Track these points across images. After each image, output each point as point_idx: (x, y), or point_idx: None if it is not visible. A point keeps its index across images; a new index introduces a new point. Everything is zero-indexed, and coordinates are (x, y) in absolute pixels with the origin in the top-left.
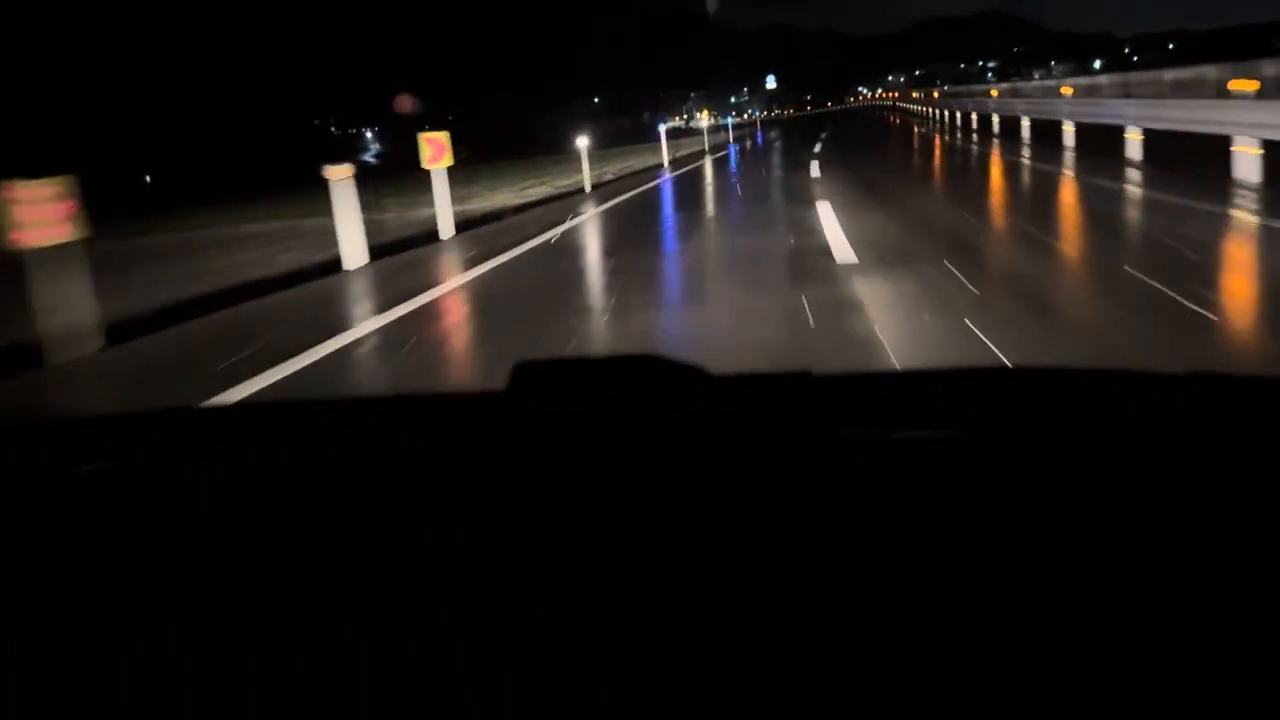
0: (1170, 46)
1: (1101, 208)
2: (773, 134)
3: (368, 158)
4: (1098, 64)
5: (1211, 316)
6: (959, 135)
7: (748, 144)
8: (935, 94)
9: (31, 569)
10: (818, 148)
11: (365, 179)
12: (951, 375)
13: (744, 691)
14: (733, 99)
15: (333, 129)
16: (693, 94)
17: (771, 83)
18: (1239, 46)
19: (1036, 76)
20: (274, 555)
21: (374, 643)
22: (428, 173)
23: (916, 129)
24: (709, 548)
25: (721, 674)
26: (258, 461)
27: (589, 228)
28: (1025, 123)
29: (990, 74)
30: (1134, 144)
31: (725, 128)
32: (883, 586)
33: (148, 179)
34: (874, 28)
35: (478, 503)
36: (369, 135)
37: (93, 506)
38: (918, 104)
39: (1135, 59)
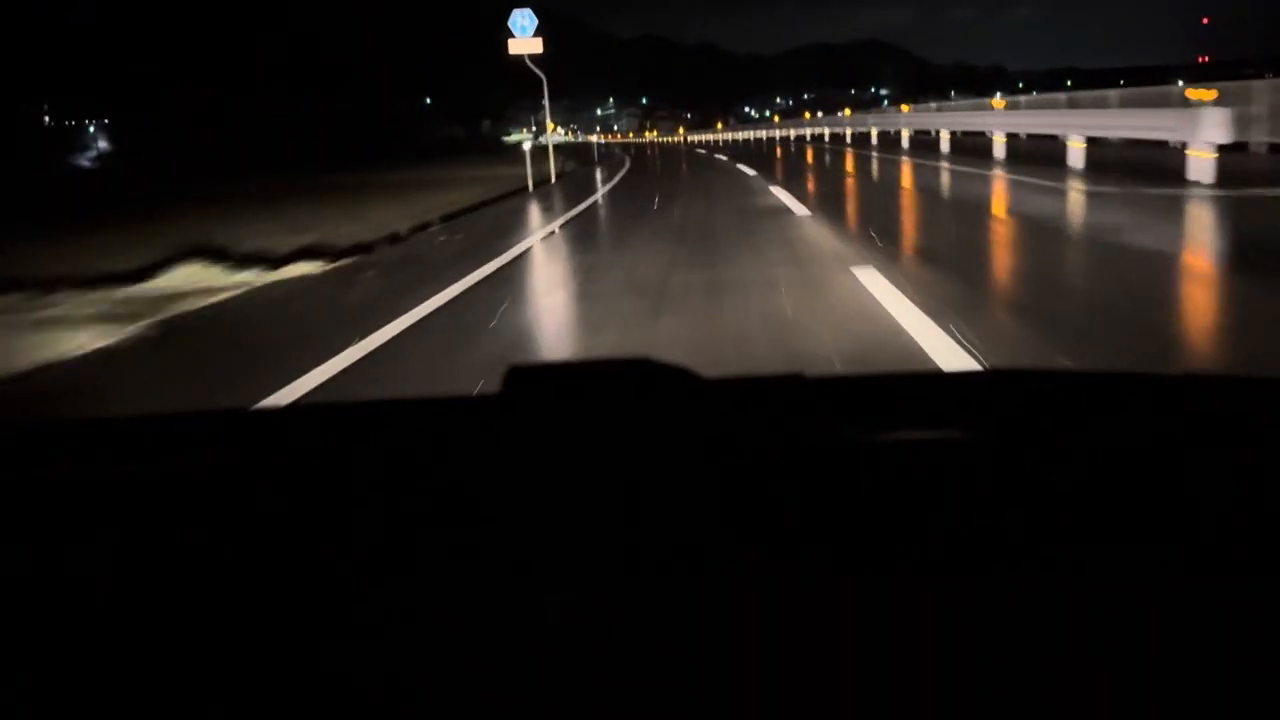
0: (1068, 83)
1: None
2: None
3: (82, 160)
4: (997, 95)
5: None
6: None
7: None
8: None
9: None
10: None
11: None
12: (942, 378)
13: (738, 698)
14: (599, 110)
15: (46, 119)
16: (545, 101)
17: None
18: (1136, 83)
19: (935, 105)
20: (266, 564)
21: (368, 648)
22: None
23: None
24: (703, 554)
25: (715, 682)
26: (239, 468)
27: None
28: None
29: (885, 100)
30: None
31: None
32: (876, 589)
33: None
34: (754, 47)
35: (471, 508)
36: (92, 129)
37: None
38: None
39: (1033, 92)
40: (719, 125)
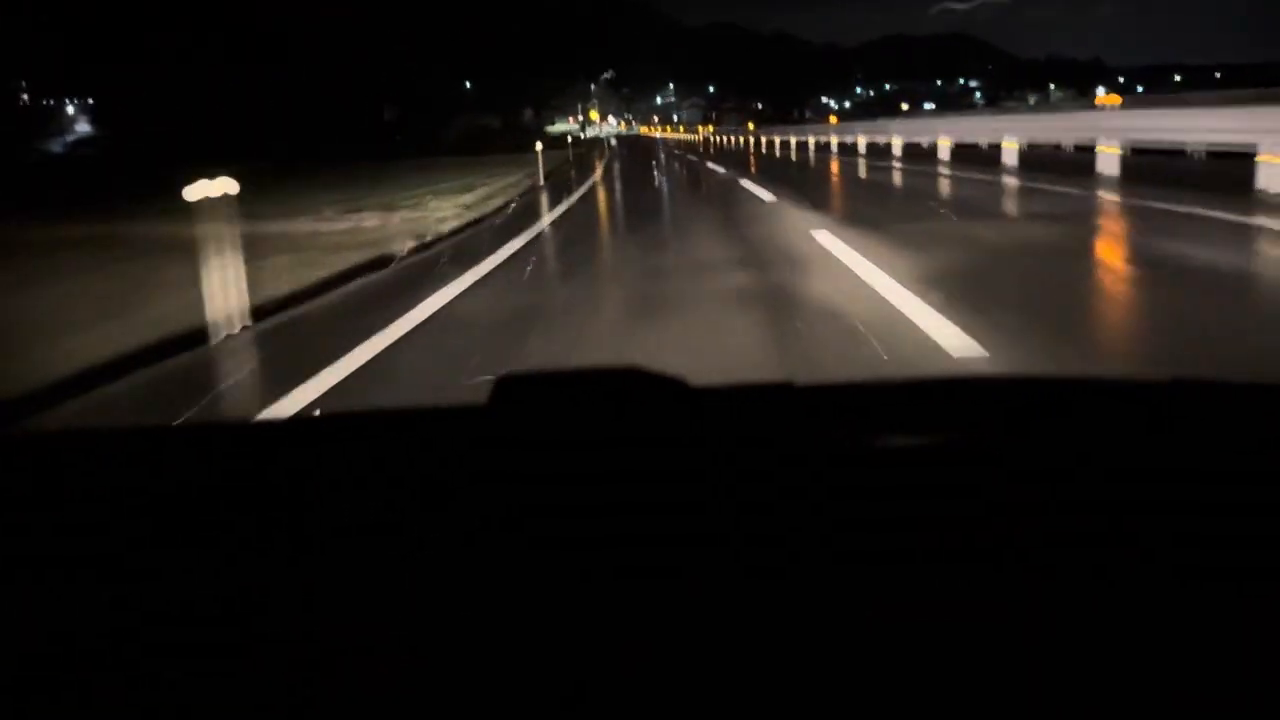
0: (1176, 78)
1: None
2: None
3: (54, 146)
4: (1101, 90)
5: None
6: None
7: None
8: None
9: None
10: None
11: None
12: (931, 384)
13: (732, 702)
14: (658, 99)
15: (24, 98)
16: (594, 85)
17: None
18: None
19: (1032, 100)
20: (254, 574)
21: (364, 653)
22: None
23: None
24: (697, 561)
25: (710, 687)
26: (225, 482)
27: None
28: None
29: (979, 94)
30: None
31: None
32: (865, 597)
33: None
34: (832, 37)
35: (459, 520)
36: (71, 109)
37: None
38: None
39: (1139, 89)
40: (832, 119)
